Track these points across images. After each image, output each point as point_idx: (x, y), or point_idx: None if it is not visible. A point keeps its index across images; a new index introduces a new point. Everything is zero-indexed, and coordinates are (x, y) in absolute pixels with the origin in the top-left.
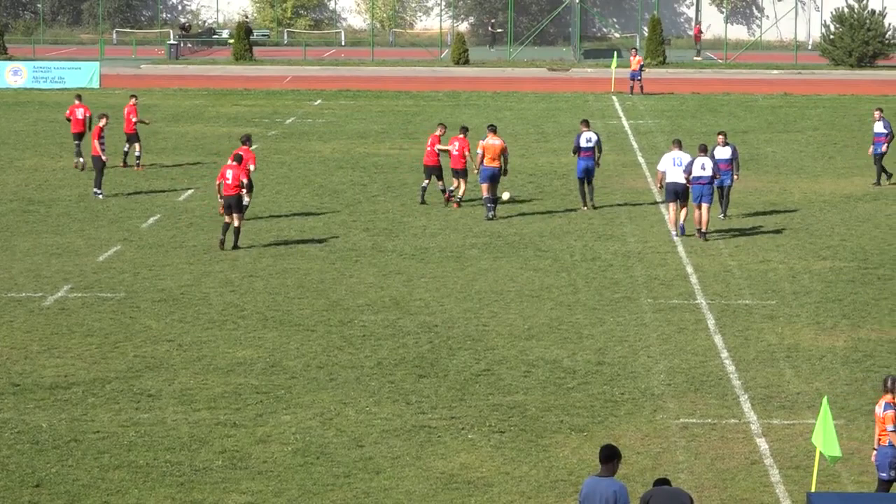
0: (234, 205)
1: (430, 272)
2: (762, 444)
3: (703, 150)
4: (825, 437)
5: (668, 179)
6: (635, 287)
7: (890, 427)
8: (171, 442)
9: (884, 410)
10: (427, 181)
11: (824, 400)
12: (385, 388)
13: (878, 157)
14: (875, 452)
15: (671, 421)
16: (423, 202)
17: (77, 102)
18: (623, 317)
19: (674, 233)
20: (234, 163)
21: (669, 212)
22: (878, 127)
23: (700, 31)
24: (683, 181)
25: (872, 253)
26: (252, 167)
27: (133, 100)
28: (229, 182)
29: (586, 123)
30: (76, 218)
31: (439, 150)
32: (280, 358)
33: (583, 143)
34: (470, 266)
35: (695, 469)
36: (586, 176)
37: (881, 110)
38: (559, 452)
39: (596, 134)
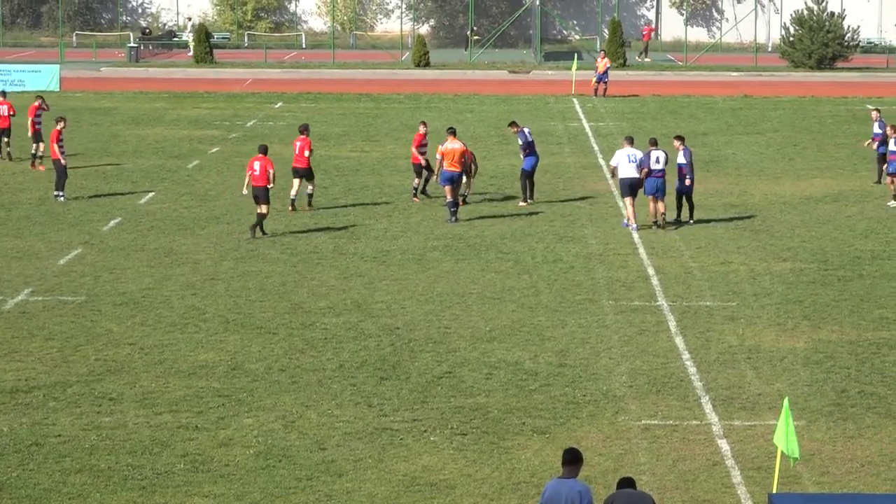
0: (262, 195)
1: (392, 275)
2: (724, 445)
3: (655, 143)
4: (786, 438)
5: (623, 175)
6: (597, 289)
7: None
8: (133, 445)
9: None
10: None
11: (785, 401)
12: (347, 390)
13: (881, 157)
14: None
15: (633, 423)
16: (422, 194)
17: (1, 100)
18: (585, 319)
19: (634, 226)
20: (261, 155)
21: (627, 207)
22: (876, 127)
23: (650, 32)
24: (638, 176)
25: (833, 254)
26: (308, 153)
27: (38, 101)
28: (257, 174)
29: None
30: (36, 221)
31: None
32: (242, 361)
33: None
34: (431, 268)
35: (656, 470)
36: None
37: (878, 111)
38: (521, 454)
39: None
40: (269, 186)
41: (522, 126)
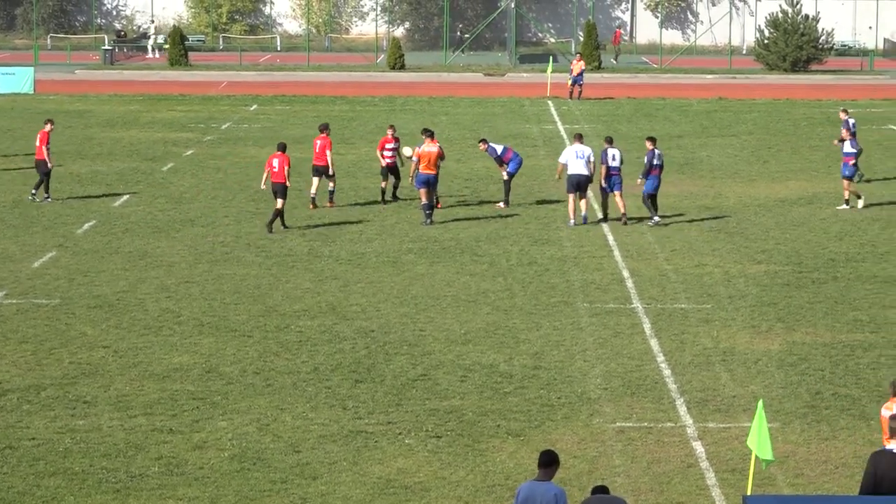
0: (280, 191)
1: (367, 277)
2: (698, 447)
3: (610, 141)
4: (760, 440)
5: (571, 171)
6: (571, 291)
7: None
8: (107, 448)
9: None
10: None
11: (759, 403)
12: (322, 393)
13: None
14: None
15: (607, 425)
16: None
17: None
18: (559, 321)
19: (572, 222)
20: (280, 152)
21: (569, 202)
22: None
23: (620, 36)
24: (586, 173)
25: (807, 256)
26: (329, 152)
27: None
28: (276, 170)
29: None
30: (10, 224)
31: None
32: (216, 364)
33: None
34: (406, 271)
35: (631, 473)
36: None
37: (846, 111)
38: (496, 457)
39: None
40: (287, 184)
41: (490, 142)
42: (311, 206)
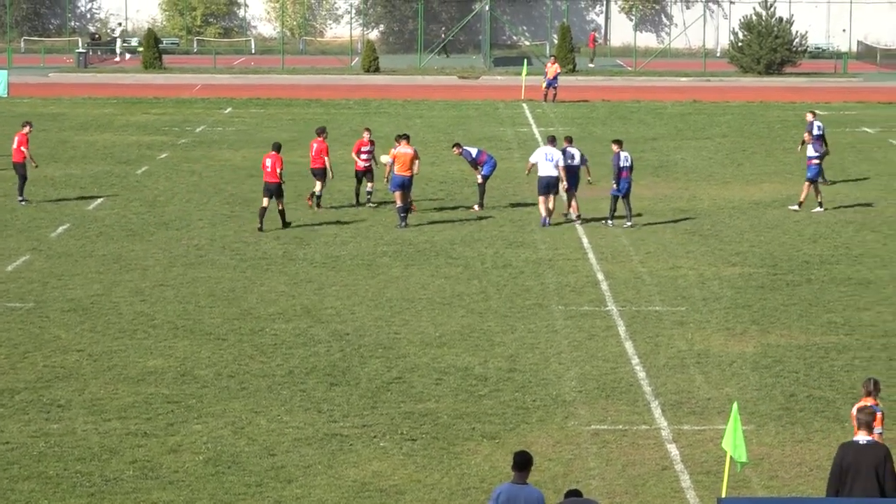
0: (275, 191)
1: (342, 280)
2: (673, 449)
3: (570, 141)
4: (734, 443)
5: (541, 174)
6: (546, 294)
7: (878, 430)
8: (82, 452)
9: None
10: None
11: (734, 405)
12: (297, 396)
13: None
14: None
15: (582, 427)
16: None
17: None
18: (534, 324)
19: (546, 221)
20: (274, 152)
21: (540, 204)
22: (813, 129)
23: (595, 39)
24: (555, 174)
25: (781, 259)
26: (326, 157)
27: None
28: (268, 170)
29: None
30: None
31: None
32: (191, 367)
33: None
34: (381, 274)
35: (606, 475)
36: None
37: (814, 113)
38: (471, 460)
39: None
40: (281, 183)
41: (464, 146)
42: (316, 207)
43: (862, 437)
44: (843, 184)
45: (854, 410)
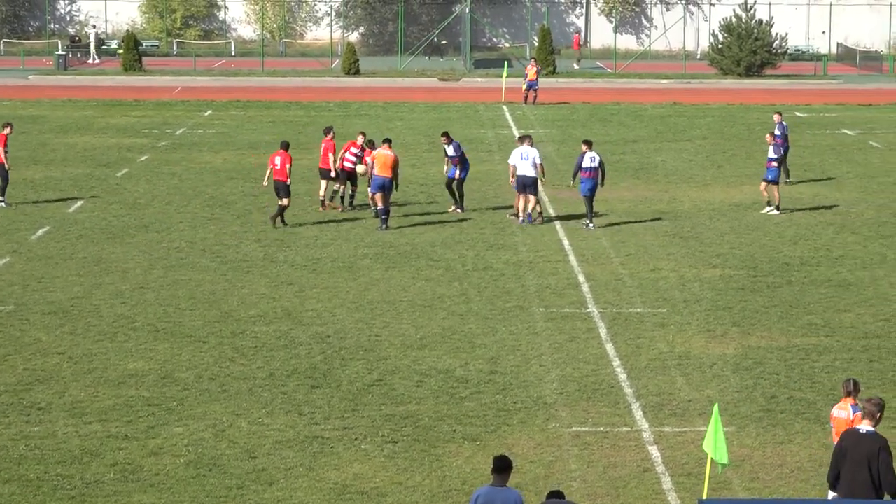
0: (282, 189)
1: (322, 283)
2: (654, 451)
3: (525, 139)
4: (716, 444)
5: (519, 172)
6: (527, 296)
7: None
8: (62, 455)
9: (853, 413)
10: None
11: (715, 407)
12: (278, 398)
13: (783, 157)
14: None
15: (564, 429)
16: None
17: None
18: (515, 326)
19: (521, 220)
20: (283, 150)
21: (519, 202)
22: (776, 130)
23: (580, 41)
24: (532, 174)
25: (762, 261)
26: (332, 155)
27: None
28: (278, 168)
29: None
30: None
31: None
32: (172, 370)
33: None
34: (362, 276)
35: (587, 477)
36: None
37: (780, 114)
38: (452, 462)
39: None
40: (287, 182)
41: (453, 139)
42: (320, 208)
43: (864, 426)
44: (824, 186)
45: (836, 412)
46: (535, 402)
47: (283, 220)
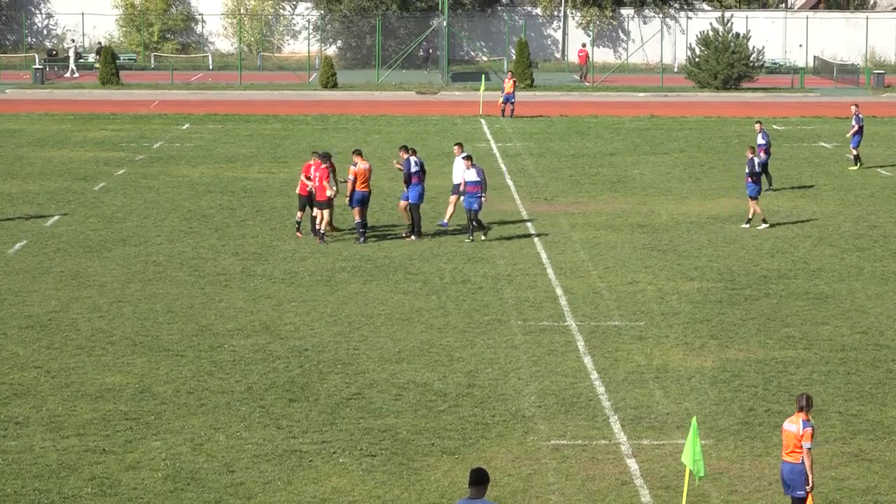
0: (309, 202)
1: (300, 296)
2: (632, 464)
3: (408, 150)
4: (694, 457)
5: (457, 181)
6: (505, 309)
7: (808, 444)
8: (40, 469)
9: (803, 428)
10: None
11: (693, 420)
12: (256, 412)
13: (764, 166)
14: (783, 468)
15: (542, 443)
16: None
17: None
18: (493, 339)
19: (444, 222)
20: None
21: (450, 206)
22: (759, 138)
23: (585, 55)
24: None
25: (739, 273)
26: (326, 183)
27: None
28: (316, 184)
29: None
30: None
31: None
32: (149, 383)
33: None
34: (340, 290)
35: (566, 490)
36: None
37: (761, 122)
38: (430, 475)
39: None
40: (312, 195)
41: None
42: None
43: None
44: (801, 199)
45: (787, 426)
46: (513, 415)
47: (333, 228)
